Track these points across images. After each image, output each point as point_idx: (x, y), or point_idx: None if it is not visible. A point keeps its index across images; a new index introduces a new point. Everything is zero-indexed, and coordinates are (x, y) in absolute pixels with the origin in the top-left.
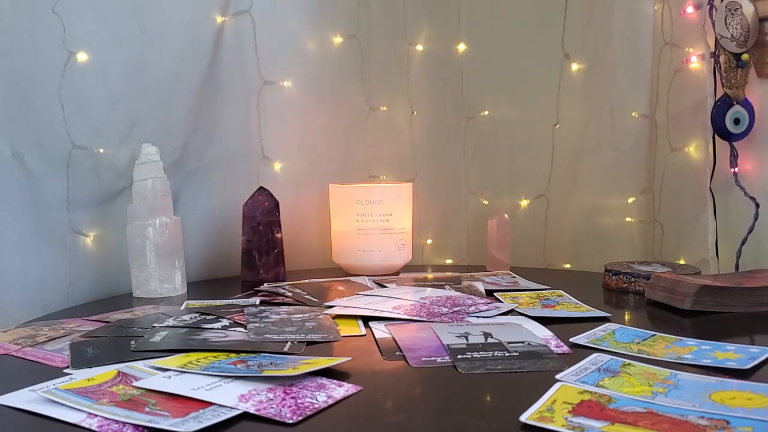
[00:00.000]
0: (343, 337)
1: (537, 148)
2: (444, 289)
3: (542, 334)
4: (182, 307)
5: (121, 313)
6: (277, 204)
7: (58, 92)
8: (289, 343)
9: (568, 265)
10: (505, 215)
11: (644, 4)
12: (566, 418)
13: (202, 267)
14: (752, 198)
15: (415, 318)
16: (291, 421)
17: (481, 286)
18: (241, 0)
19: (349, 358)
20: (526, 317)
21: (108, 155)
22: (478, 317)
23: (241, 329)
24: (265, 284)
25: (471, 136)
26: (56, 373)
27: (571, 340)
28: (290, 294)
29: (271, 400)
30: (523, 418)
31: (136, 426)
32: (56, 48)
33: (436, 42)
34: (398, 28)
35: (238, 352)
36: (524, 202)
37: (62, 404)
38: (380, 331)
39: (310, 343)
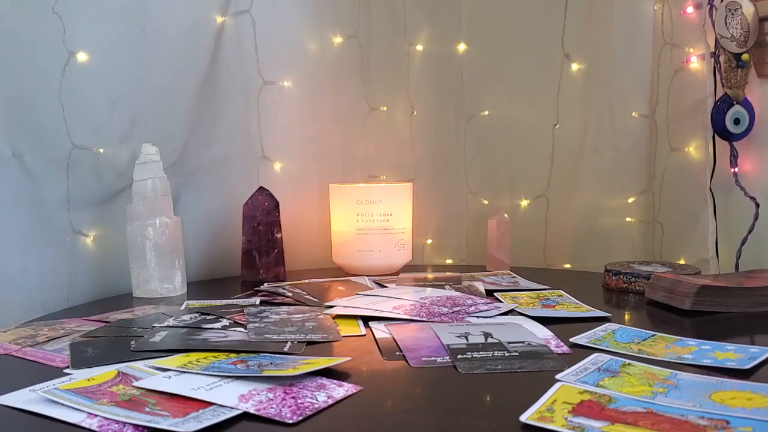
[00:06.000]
0: (343, 337)
1: (537, 148)
2: (444, 289)
3: (542, 334)
4: (182, 307)
5: (121, 313)
6: (277, 204)
7: (58, 92)
8: (289, 343)
9: (568, 265)
10: (505, 215)
11: (644, 4)
12: (566, 418)
13: (202, 267)
14: (752, 198)
15: (415, 318)
16: (291, 421)
17: (481, 286)
18: (241, 0)
19: (349, 358)
20: (526, 317)
21: (108, 155)
22: (478, 317)
23: (241, 329)
24: (265, 284)
25: (471, 136)
26: (56, 373)
27: (571, 340)
28: (290, 294)
29: (271, 400)
30: (523, 418)
31: (136, 426)
32: (56, 48)
33: (436, 42)
34: (398, 28)
35: (238, 352)
36: (524, 202)
37: (62, 404)
38: (380, 331)
39: (310, 343)
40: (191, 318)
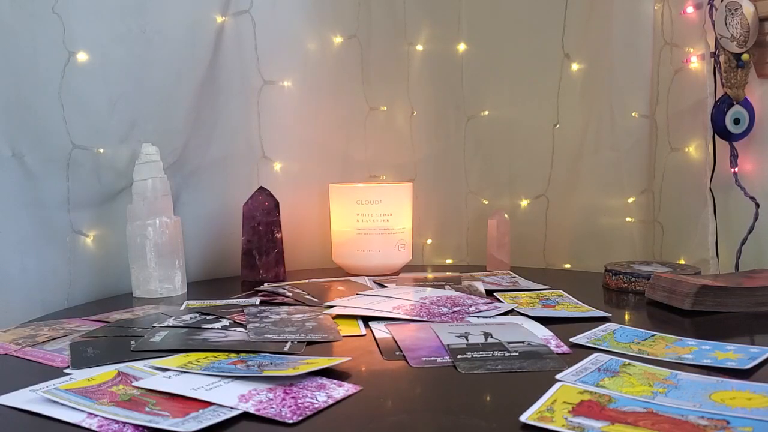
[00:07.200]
0: (343, 337)
1: (537, 148)
2: (444, 289)
3: (542, 334)
4: (182, 307)
5: (121, 313)
6: (277, 204)
7: (58, 92)
8: (289, 343)
9: (568, 265)
10: (505, 215)
11: (644, 4)
12: (566, 418)
13: (202, 267)
14: (752, 198)
15: (415, 318)
16: (291, 421)
17: (481, 286)
18: (241, 0)
19: (349, 358)
20: (526, 317)
21: (108, 155)
22: (478, 317)
23: (241, 329)
24: (265, 284)
25: (471, 136)
26: (56, 373)
27: (571, 340)
28: (290, 294)
29: (271, 400)
30: (523, 418)
31: (136, 426)
32: (56, 48)
33: (436, 42)
34: (398, 28)
35: (238, 352)
36: (524, 202)
37: (62, 404)
38: (380, 331)
39: (310, 343)
40: (191, 318)
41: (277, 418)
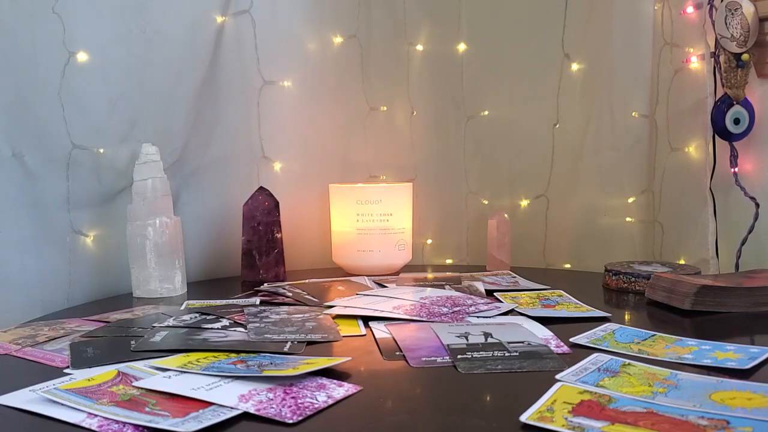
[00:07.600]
0: (343, 337)
1: (537, 148)
2: (444, 289)
3: (542, 334)
4: (182, 307)
5: (121, 313)
6: (277, 204)
7: (58, 92)
8: (289, 343)
9: (568, 265)
10: (505, 215)
11: (644, 4)
12: (566, 418)
13: (202, 267)
14: (752, 198)
15: (415, 318)
16: (291, 421)
17: (481, 286)
18: (241, 0)
19: (349, 358)
20: (526, 317)
21: (108, 155)
22: (478, 317)
23: (241, 329)
24: (265, 284)
25: (471, 136)
26: (56, 373)
27: (571, 340)
28: (290, 294)
29: (271, 400)
30: (523, 418)
31: (136, 426)
32: (56, 48)
33: (436, 42)
34: (398, 28)
35: (238, 352)
36: (524, 202)
37: (62, 404)
38: (380, 331)
39: (310, 343)
40: (191, 318)
41: (277, 418)
